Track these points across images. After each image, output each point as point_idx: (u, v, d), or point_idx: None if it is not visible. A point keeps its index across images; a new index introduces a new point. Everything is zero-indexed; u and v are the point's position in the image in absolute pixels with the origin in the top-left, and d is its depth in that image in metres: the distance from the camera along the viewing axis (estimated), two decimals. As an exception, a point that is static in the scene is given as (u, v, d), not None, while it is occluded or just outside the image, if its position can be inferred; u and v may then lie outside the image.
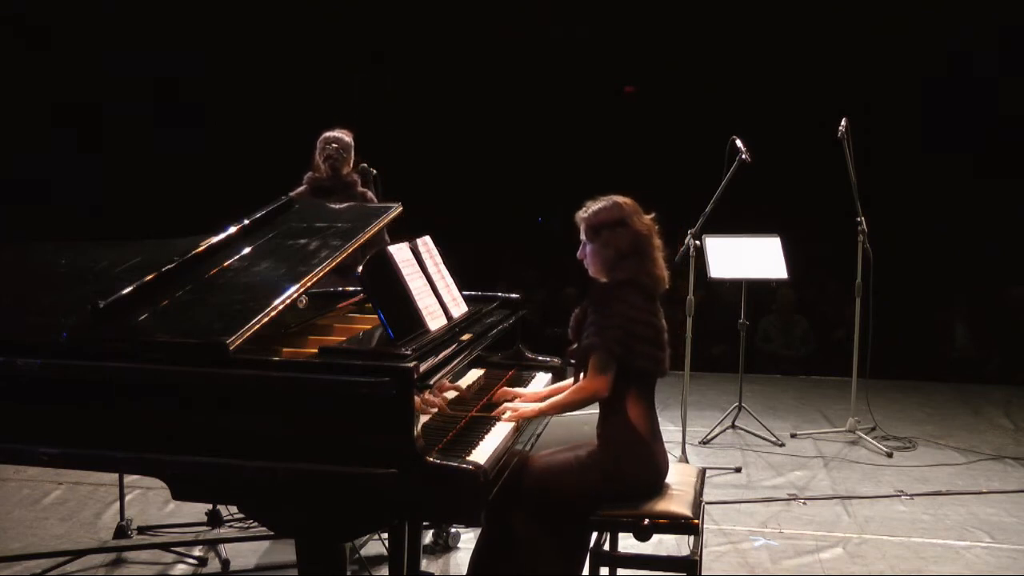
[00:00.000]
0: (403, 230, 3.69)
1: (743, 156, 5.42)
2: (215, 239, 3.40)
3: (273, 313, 2.87)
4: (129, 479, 4.66)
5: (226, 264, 3.28)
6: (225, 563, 4.08)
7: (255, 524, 3.85)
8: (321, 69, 10.12)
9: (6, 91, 9.05)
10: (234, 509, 4.13)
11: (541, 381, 3.83)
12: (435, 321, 3.19)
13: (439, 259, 3.55)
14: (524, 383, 3.76)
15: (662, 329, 3.19)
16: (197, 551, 4.20)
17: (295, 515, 2.71)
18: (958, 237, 9.51)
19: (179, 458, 2.69)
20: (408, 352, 2.75)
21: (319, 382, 2.64)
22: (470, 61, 10.41)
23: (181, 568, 4.11)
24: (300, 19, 10.11)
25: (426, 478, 2.59)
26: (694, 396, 6.71)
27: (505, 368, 3.84)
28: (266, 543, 4.26)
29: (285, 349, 3.11)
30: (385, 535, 3.60)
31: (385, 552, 3.96)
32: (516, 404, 3.29)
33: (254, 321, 2.78)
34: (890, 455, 5.91)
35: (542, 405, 3.27)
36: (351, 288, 3.99)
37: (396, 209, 3.83)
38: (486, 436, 3.03)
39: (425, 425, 2.94)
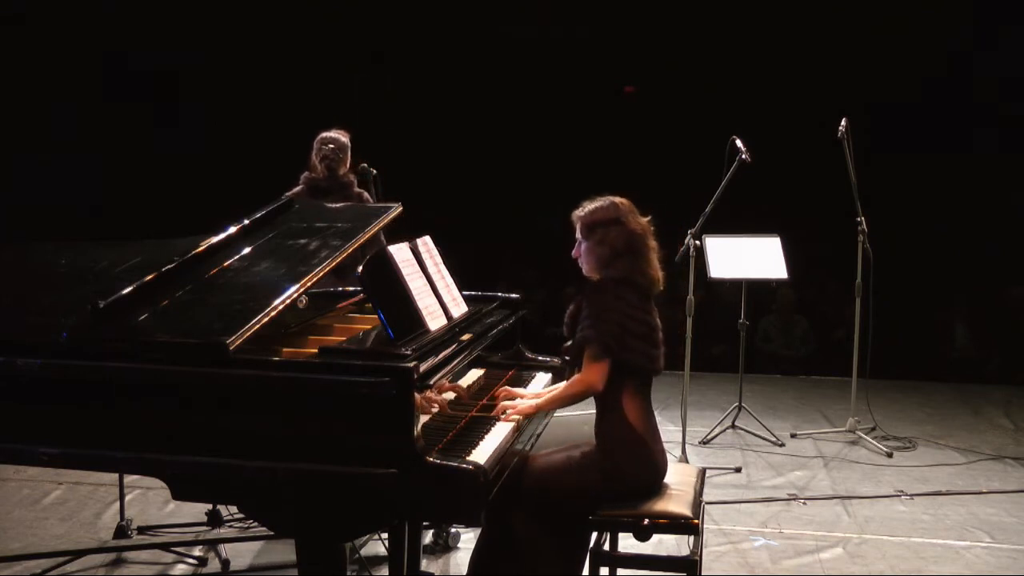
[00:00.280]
0: (403, 230, 3.68)
1: (743, 156, 5.42)
2: (215, 239, 3.40)
3: (273, 313, 2.87)
4: (129, 479, 4.66)
5: (226, 264, 3.28)
6: (225, 563, 4.08)
7: (255, 524, 3.86)
8: (321, 69, 10.11)
9: (6, 91, 9.04)
10: (234, 509, 4.13)
11: (541, 381, 3.83)
12: (435, 321, 3.19)
13: (439, 259, 3.55)
14: (524, 383, 3.76)
15: (656, 328, 3.21)
16: (197, 551, 4.20)
17: (295, 515, 2.71)
18: (958, 237, 9.51)
19: (179, 458, 2.69)
20: (408, 352, 2.76)
21: (319, 382, 2.64)
22: (470, 61, 10.40)
23: (181, 568, 4.11)
24: (300, 19, 10.11)
25: (426, 478, 2.59)
26: (694, 396, 6.71)
27: (505, 368, 3.84)
28: (266, 543, 4.26)
29: (285, 349, 3.11)
30: (385, 535, 3.60)
31: (385, 552, 3.96)
32: (514, 402, 3.30)
33: (254, 321, 2.78)
34: (890, 455, 5.91)
35: (539, 401, 3.28)
36: (351, 288, 3.99)
37: (396, 209, 3.83)
38: (486, 436, 3.03)
39: (425, 425, 2.94)
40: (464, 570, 3.51)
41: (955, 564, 4.34)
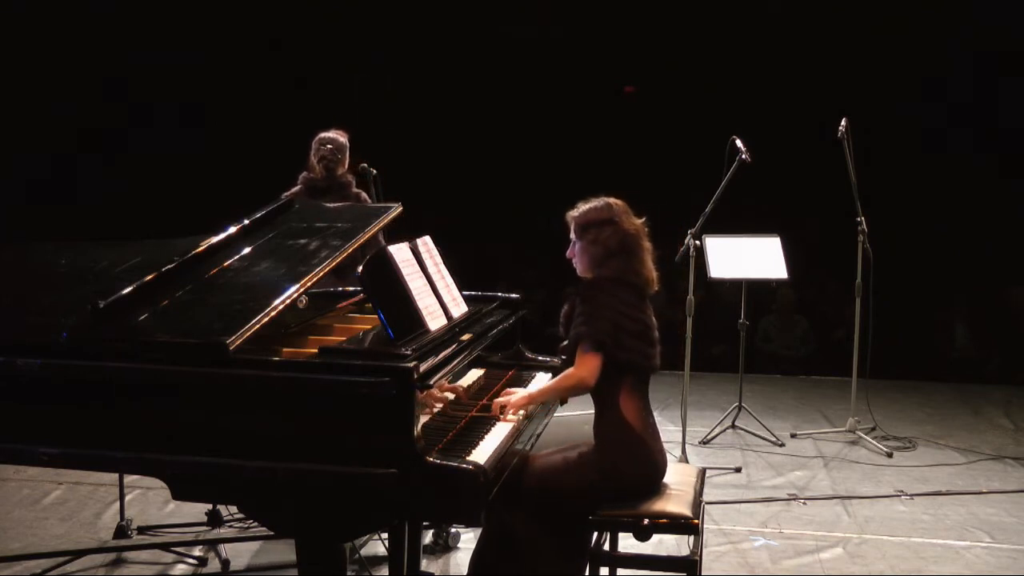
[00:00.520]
0: (403, 230, 3.68)
1: (743, 156, 5.42)
2: (215, 239, 3.41)
3: (273, 313, 2.88)
4: (129, 479, 4.66)
5: (226, 264, 3.28)
6: (225, 563, 4.08)
7: (255, 524, 3.86)
8: (321, 69, 10.11)
9: (6, 90, 9.04)
10: (234, 509, 4.13)
11: (541, 381, 3.82)
12: (435, 321, 3.19)
13: (439, 259, 3.55)
14: (524, 383, 3.76)
15: (651, 326, 3.22)
16: (197, 551, 4.20)
17: (295, 515, 2.71)
18: (958, 237, 9.50)
19: (179, 458, 2.69)
20: (408, 352, 2.76)
21: (319, 382, 2.64)
22: (470, 61, 10.40)
23: (181, 568, 4.11)
24: (300, 19, 10.10)
25: (426, 478, 2.59)
26: (694, 396, 6.71)
27: (505, 368, 3.84)
28: (266, 543, 4.26)
29: (285, 349, 3.11)
30: (385, 535, 3.60)
31: (385, 552, 3.96)
32: (508, 398, 3.30)
33: (254, 321, 2.78)
34: (890, 455, 5.91)
35: (531, 391, 3.29)
36: (351, 288, 3.99)
37: (396, 209, 3.83)
38: (486, 436, 3.03)
39: (425, 425, 2.94)
40: (464, 570, 3.51)
41: (955, 564, 4.34)
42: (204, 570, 4.10)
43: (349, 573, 3.60)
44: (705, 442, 6.09)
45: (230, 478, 2.69)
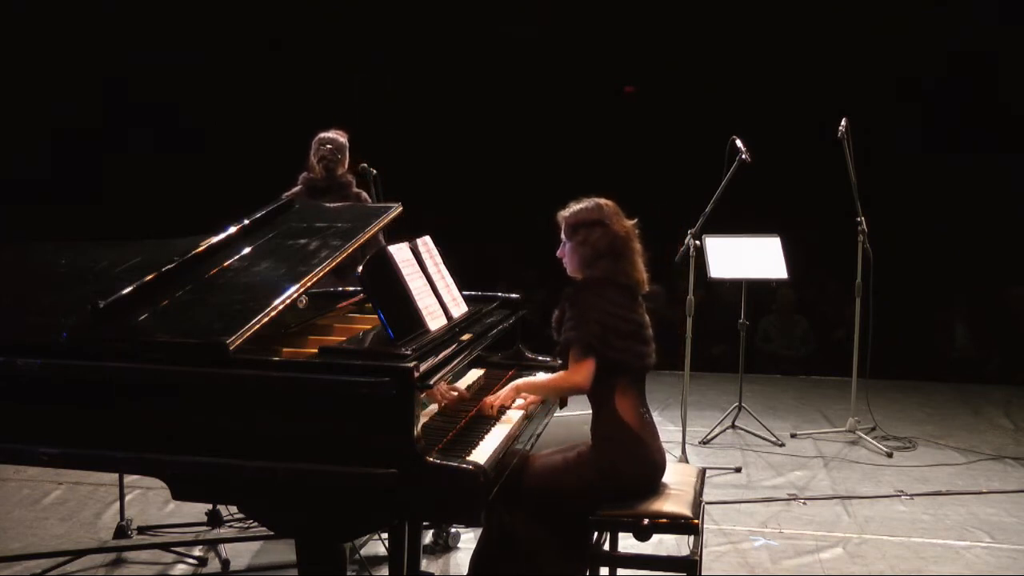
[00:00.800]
0: (403, 230, 3.68)
1: (743, 156, 5.42)
2: (215, 239, 3.41)
3: (273, 313, 2.88)
4: (129, 479, 4.66)
5: (226, 264, 3.28)
6: (225, 563, 4.08)
7: (255, 524, 3.86)
8: (321, 69, 10.11)
9: (5, 90, 9.04)
10: (234, 509, 4.13)
11: (541, 381, 3.82)
12: (435, 321, 3.19)
13: (439, 259, 3.55)
14: (524, 383, 3.75)
15: (644, 324, 3.22)
16: (197, 551, 4.20)
17: (295, 515, 2.71)
18: (958, 237, 9.50)
19: (179, 458, 2.69)
20: (408, 352, 2.76)
21: (319, 382, 2.64)
22: (470, 61, 10.40)
23: (181, 568, 4.11)
24: (300, 19, 10.10)
25: (426, 478, 2.59)
26: (694, 396, 6.71)
27: (505, 368, 3.84)
28: (266, 543, 4.26)
29: (285, 349, 3.11)
30: (385, 535, 3.60)
31: (385, 552, 3.96)
32: (496, 395, 3.31)
33: (254, 321, 2.78)
34: (890, 455, 5.91)
35: (516, 383, 3.29)
36: (351, 288, 3.99)
37: (396, 209, 3.83)
38: (486, 436, 3.03)
39: (425, 425, 2.94)
40: (464, 570, 3.52)
41: (955, 564, 4.34)
42: (204, 570, 4.10)
43: (349, 573, 3.60)
44: (705, 442, 6.09)
45: (230, 478, 2.69)
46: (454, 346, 3.09)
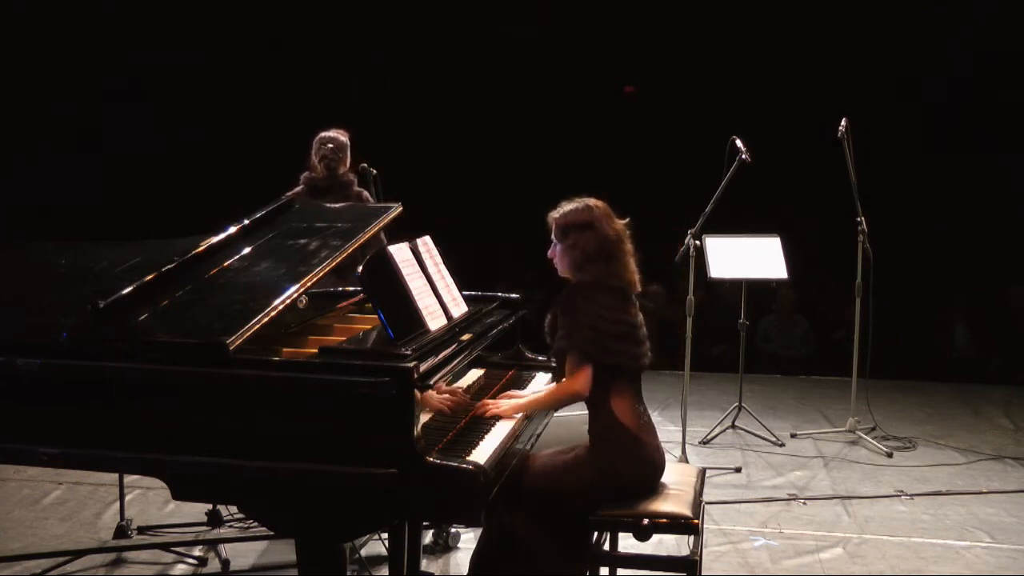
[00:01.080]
0: (403, 230, 3.68)
1: (743, 156, 5.42)
2: (215, 239, 3.41)
3: (273, 313, 2.88)
4: (129, 479, 4.66)
5: (226, 264, 3.28)
6: (225, 563, 4.08)
7: (255, 524, 3.86)
8: (321, 69, 10.11)
9: (5, 91, 9.04)
10: (234, 509, 4.13)
11: (541, 381, 3.83)
12: (435, 321, 3.19)
13: (439, 259, 3.55)
14: (524, 383, 3.76)
15: (637, 324, 3.21)
16: (197, 551, 4.20)
17: (295, 515, 2.71)
18: (958, 237, 9.51)
19: (179, 458, 2.69)
20: (408, 352, 2.76)
21: (319, 382, 2.64)
22: (470, 61, 10.40)
23: (181, 568, 4.11)
24: (300, 19, 10.10)
25: (426, 478, 2.59)
26: (694, 396, 6.71)
27: (505, 368, 3.84)
28: (266, 543, 4.26)
29: (285, 349, 3.11)
30: (385, 535, 3.60)
31: (385, 552, 3.96)
32: (496, 400, 3.30)
33: (254, 321, 2.78)
34: (890, 455, 5.91)
35: (521, 402, 3.29)
36: (351, 288, 3.99)
37: (396, 209, 3.83)
38: (486, 436, 3.03)
39: (425, 425, 2.94)
40: (464, 570, 3.51)
41: (955, 564, 4.34)
42: (204, 570, 4.10)
43: (349, 573, 3.60)
44: (705, 442, 6.09)
45: (230, 478, 2.69)
46: (454, 346, 3.09)
